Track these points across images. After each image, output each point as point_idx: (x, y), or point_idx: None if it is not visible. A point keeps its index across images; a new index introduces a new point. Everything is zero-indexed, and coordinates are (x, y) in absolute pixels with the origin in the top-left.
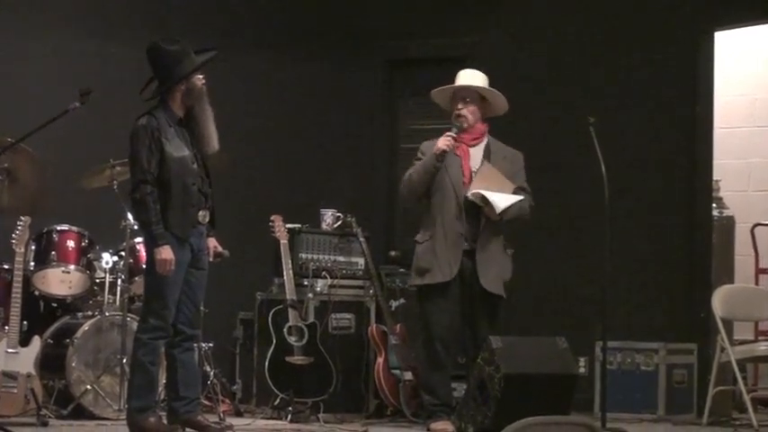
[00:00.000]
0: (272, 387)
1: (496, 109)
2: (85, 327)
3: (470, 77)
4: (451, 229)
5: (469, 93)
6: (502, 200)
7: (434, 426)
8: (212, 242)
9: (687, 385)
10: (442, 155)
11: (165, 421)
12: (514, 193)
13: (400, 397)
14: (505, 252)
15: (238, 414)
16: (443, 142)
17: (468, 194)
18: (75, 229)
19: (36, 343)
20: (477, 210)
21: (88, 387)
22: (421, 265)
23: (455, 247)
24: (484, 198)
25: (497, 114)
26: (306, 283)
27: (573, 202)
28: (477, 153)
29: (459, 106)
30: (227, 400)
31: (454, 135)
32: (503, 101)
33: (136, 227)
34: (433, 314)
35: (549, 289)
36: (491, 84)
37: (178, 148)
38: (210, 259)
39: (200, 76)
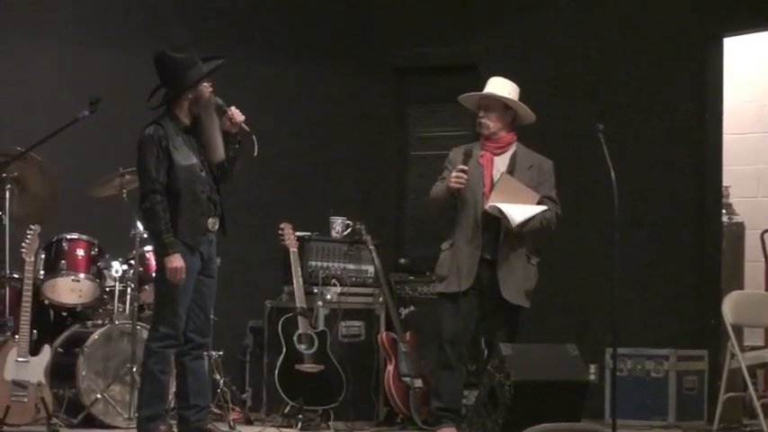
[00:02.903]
0: (283, 395)
1: (524, 118)
2: (95, 335)
3: (493, 86)
4: (470, 240)
5: (492, 101)
6: (519, 212)
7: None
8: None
9: (697, 392)
10: (457, 192)
11: (175, 430)
12: (539, 203)
13: (410, 404)
14: (529, 262)
15: (248, 422)
16: (455, 181)
17: (486, 207)
18: (84, 237)
19: (46, 352)
20: (497, 220)
21: (98, 396)
22: (440, 272)
23: (472, 258)
24: (501, 211)
25: (526, 123)
26: (315, 290)
27: (582, 208)
28: (502, 162)
29: (481, 114)
30: (238, 409)
31: (466, 168)
32: (527, 110)
33: (145, 235)
34: (446, 319)
35: (559, 296)
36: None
37: (186, 157)
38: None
39: (208, 85)
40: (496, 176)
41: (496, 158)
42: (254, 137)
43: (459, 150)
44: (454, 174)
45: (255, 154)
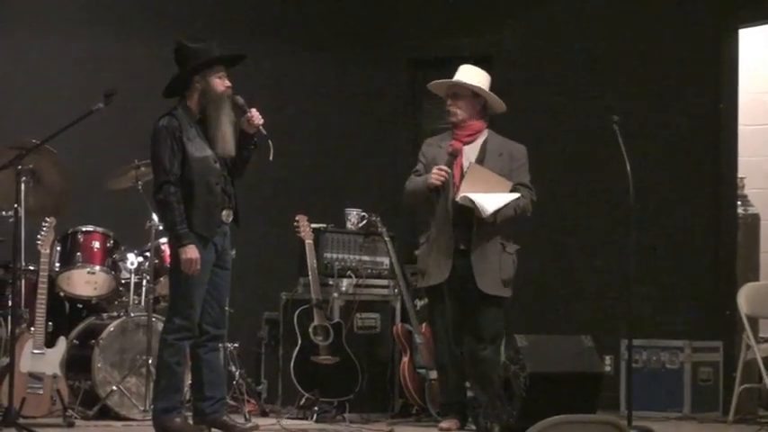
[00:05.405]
0: (298, 387)
1: (494, 106)
2: (111, 327)
3: (462, 73)
4: (443, 231)
5: (461, 89)
6: (490, 202)
7: (441, 425)
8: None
9: (713, 383)
10: (435, 189)
11: (190, 422)
12: (512, 190)
13: (426, 396)
14: (505, 251)
15: (264, 414)
16: (436, 177)
17: (457, 199)
18: (100, 229)
19: (61, 344)
20: (470, 210)
21: (114, 388)
22: (420, 267)
23: (447, 249)
24: (472, 201)
25: (497, 112)
26: (331, 282)
27: (598, 199)
28: (472, 151)
29: (449, 102)
30: (253, 400)
31: (448, 170)
32: (496, 99)
33: (161, 227)
34: (434, 316)
35: (575, 287)
36: (505, 80)
37: (200, 148)
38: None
39: (221, 80)
40: (466, 166)
41: (466, 147)
42: (270, 141)
43: (433, 142)
44: (436, 170)
45: (271, 158)
